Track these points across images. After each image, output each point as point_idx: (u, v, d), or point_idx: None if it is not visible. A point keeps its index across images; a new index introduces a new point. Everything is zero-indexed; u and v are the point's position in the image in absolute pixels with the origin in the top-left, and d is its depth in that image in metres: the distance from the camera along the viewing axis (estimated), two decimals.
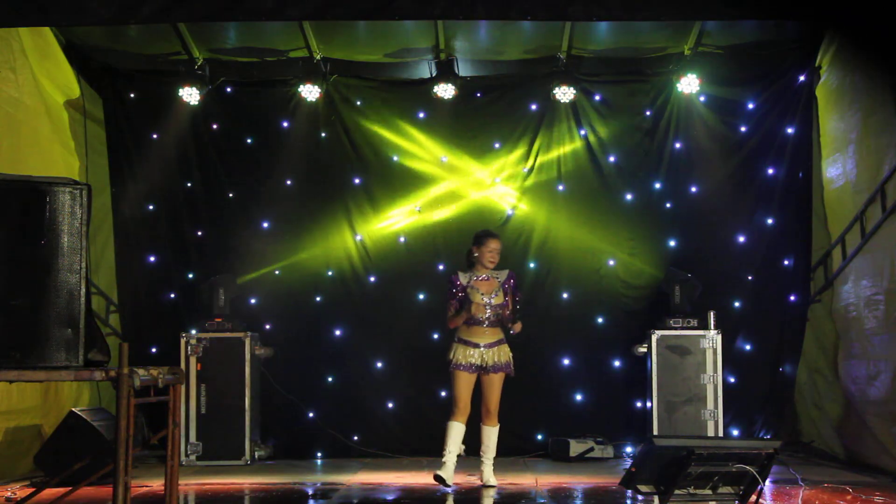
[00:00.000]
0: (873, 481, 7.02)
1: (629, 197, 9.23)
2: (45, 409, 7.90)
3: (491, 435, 7.14)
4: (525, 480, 7.39)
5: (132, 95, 9.24)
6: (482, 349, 7.08)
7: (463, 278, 7.16)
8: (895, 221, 7.36)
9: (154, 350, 9.07)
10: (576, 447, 8.52)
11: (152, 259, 9.27)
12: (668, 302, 8.58)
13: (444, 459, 7.01)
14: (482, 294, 7.09)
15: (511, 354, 7.19)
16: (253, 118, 9.34)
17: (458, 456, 7.10)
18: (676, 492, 5.06)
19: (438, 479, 6.96)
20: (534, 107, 9.25)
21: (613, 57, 8.98)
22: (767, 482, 5.33)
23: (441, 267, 9.12)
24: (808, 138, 8.92)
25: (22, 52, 7.80)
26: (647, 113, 9.22)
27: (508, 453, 8.71)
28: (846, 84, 8.21)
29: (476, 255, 7.14)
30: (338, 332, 9.22)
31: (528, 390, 8.97)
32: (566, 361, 9.11)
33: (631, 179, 9.25)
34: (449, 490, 6.94)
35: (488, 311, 7.07)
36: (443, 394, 8.74)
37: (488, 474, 7.13)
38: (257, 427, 8.70)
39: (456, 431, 7.03)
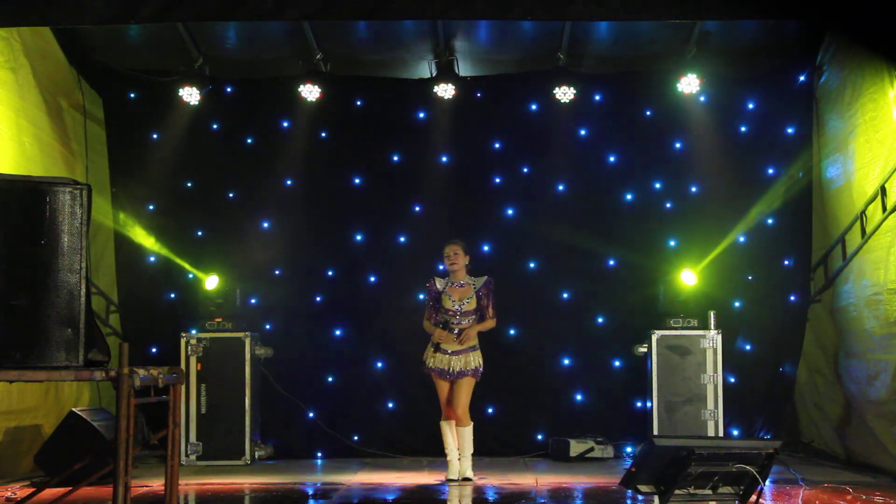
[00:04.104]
0: (873, 481, 7.02)
1: (629, 197, 9.23)
2: (45, 409, 7.90)
3: (464, 434, 7.38)
4: (525, 480, 7.39)
5: (132, 95, 9.26)
6: (450, 355, 7.36)
7: (439, 284, 7.54)
8: (895, 221, 7.36)
9: (154, 350, 9.08)
10: (576, 447, 8.52)
11: (152, 259, 9.27)
12: (668, 302, 8.57)
13: (447, 459, 7.36)
14: (453, 300, 7.41)
15: (481, 360, 7.42)
16: (253, 118, 9.35)
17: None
18: (676, 492, 5.06)
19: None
20: (534, 107, 9.25)
21: (613, 57, 8.98)
22: (767, 482, 5.32)
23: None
24: (808, 138, 8.93)
25: (22, 52, 7.80)
26: (648, 113, 9.23)
27: (508, 453, 8.76)
28: (846, 84, 8.20)
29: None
30: (338, 332, 9.22)
31: (528, 390, 8.99)
32: (566, 361, 9.10)
33: (631, 179, 9.25)
34: (444, 489, 7.09)
35: (458, 316, 7.35)
36: None
37: (465, 467, 7.35)
38: (257, 427, 8.70)
39: (446, 431, 7.39)
